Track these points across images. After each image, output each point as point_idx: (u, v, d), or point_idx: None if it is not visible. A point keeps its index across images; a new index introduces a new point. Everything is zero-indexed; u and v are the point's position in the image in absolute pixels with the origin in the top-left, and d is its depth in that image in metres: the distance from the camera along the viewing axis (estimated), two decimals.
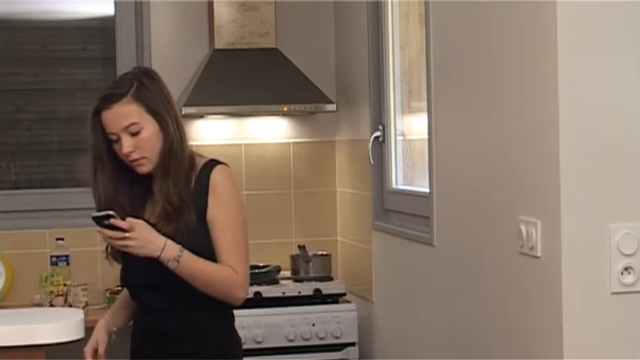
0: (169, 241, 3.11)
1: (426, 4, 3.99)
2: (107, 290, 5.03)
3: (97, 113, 3.16)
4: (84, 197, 5.23)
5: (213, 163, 3.25)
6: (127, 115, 3.12)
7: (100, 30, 5.39)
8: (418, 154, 4.49)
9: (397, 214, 4.64)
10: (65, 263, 4.96)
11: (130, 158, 3.15)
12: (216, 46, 5.12)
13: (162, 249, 3.09)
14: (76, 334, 3.28)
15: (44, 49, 5.39)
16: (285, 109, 5.08)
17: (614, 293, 2.88)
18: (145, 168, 3.18)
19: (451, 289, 3.82)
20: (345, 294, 5.02)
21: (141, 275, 3.23)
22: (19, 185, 5.36)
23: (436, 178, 3.96)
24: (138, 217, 3.15)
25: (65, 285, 4.86)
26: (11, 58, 5.38)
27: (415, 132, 4.55)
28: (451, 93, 3.81)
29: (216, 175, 3.22)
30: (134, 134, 3.13)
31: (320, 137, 5.44)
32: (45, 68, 5.38)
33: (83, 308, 4.66)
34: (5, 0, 5.28)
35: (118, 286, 5.03)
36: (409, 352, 4.37)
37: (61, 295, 4.82)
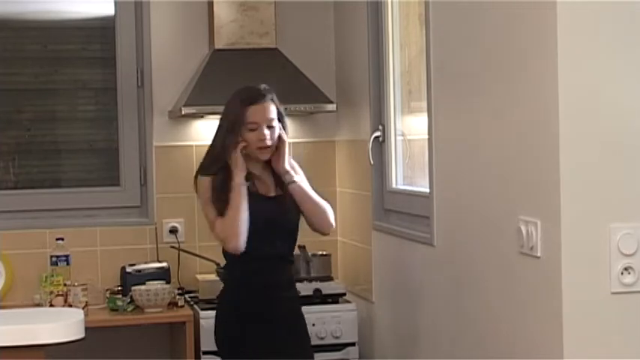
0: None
1: (426, 4, 4.00)
2: (107, 290, 5.02)
3: (249, 104, 4.02)
4: (84, 197, 5.26)
5: None
6: (271, 112, 4.05)
7: (100, 30, 5.38)
8: (418, 154, 4.48)
9: (397, 214, 4.64)
10: (65, 263, 4.95)
11: (263, 145, 4.00)
12: (216, 46, 5.12)
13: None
14: (76, 334, 3.28)
15: (44, 49, 5.38)
16: (285, 109, 5.07)
17: (614, 293, 2.88)
18: (267, 155, 4.04)
19: (451, 289, 3.82)
20: (345, 294, 5.02)
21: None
22: (19, 185, 5.34)
23: (436, 178, 3.96)
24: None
25: (65, 285, 4.85)
26: (11, 58, 5.37)
27: (415, 132, 4.55)
28: (451, 93, 3.81)
29: None
30: (270, 127, 4.01)
31: (320, 137, 5.43)
32: (45, 68, 5.37)
33: (83, 308, 4.65)
34: (5, 0, 5.28)
35: (118, 286, 5.03)
36: (409, 352, 4.37)
37: (61, 295, 4.81)
